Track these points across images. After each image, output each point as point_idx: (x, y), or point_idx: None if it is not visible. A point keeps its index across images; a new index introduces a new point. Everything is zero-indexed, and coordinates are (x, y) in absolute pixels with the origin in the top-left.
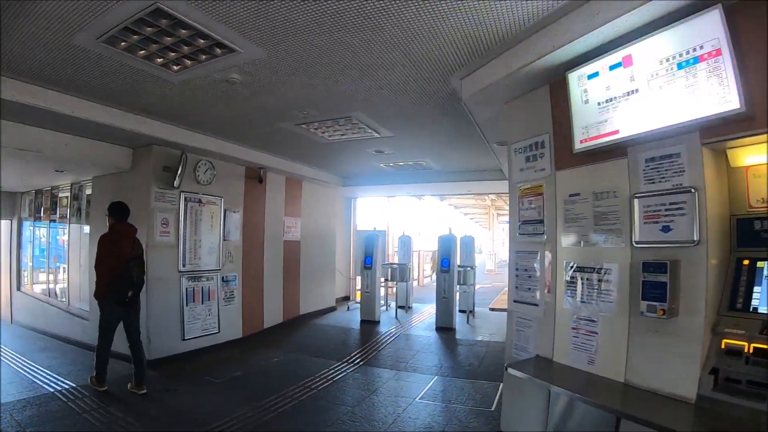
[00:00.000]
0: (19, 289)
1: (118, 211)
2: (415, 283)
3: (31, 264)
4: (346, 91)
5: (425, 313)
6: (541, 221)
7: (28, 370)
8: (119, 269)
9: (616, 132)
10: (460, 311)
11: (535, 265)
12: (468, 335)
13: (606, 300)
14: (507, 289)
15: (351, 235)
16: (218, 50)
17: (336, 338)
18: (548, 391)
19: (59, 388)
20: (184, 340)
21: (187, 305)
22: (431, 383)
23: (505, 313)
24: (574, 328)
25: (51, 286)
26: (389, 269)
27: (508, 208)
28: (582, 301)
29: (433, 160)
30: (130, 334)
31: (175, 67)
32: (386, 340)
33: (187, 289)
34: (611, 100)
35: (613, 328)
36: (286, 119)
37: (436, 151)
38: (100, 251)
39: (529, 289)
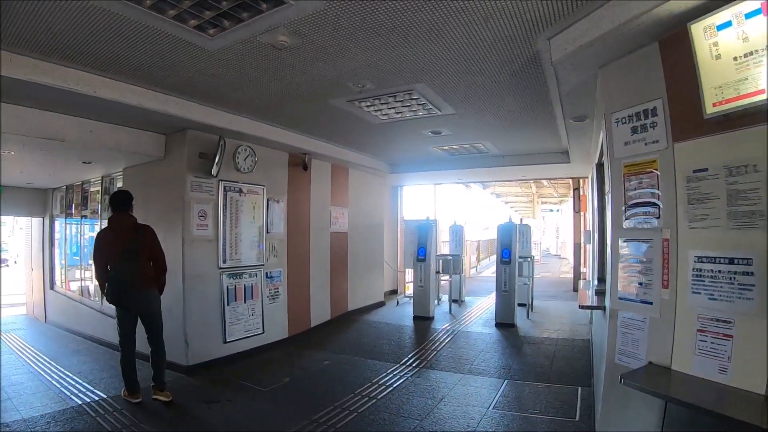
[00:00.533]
0: (52, 287)
1: (115, 201)
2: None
3: (64, 261)
4: (412, 58)
5: (480, 307)
6: (656, 203)
7: (57, 377)
8: (110, 267)
9: (761, 92)
10: (519, 305)
11: (648, 255)
12: (531, 331)
13: (744, 297)
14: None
15: (398, 225)
16: (263, 4)
17: (389, 337)
18: (664, 405)
19: (88, 400)
20: (225, 342)
21: (228, 305)
22: (502, 388)
23: (567, 307)
24: (700, 331)
25: (84, 284)
26: (441, 261)
27: (554, 195)
28: (711, 298)
29: (492, 142)
30: (148, 334)
31: (211, 30)
32: (444, 339)
33: (228, 287)
34: (752, 53)
35: (753, 330)
36: (339, 94)
37: (497, 132)
38: (93, 250)
39: (640, 284)
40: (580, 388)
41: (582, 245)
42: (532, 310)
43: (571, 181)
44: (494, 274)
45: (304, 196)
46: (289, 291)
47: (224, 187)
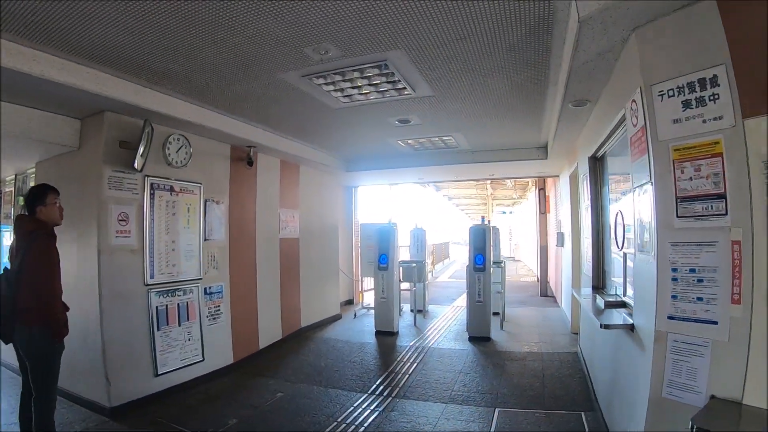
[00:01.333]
0: None
1: (26, 200)
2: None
3: None
4: (390, 12)
5: (446, 318)
6: (721, 196)
7: None
8: None
9: None
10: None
11: (711, 262)
12: (510, 345)
13: None
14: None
15: (352, 229)
16: None
17: (352, 358)
18: None
19: None
20: (157, 375)
21: (159, 329)
22: (495, 420)
23: (539, 314)
24: None
25: None
26: (403, 269)
27: (513, 197)
28: None
29: (464, 135)
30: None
31: None
32: (414, 358)
33: (158, 307)
34: None
35: None
36: (292, 65)
37: (473, 121)
38: None
39: (700, 299)
40: (583, 414)
41: (547, 248)
42: (505, 320)
43: (534, 181)
44: (452, 280)
45: (249, 197)
46: (232, 308)
47: (152, 185)
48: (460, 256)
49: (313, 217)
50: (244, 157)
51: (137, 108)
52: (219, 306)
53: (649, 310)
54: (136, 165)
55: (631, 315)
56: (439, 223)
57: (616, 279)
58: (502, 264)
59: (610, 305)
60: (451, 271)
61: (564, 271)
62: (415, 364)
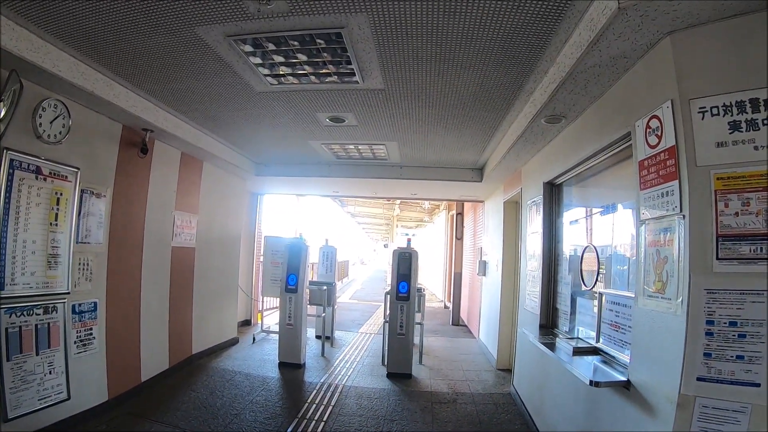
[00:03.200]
0: None
1: None
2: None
3: None
4: None
5: (355, 347)
6: None
7: None
8: None
9: None
10: None
11: (756, 314)
12: (435, 384)
13: None
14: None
15: (254, 241)
16: None
17: (254, 398)
18: None
19: None
20: (7, 421)
21: (9, 359)
22: None
23: (457, 346)
24: None
25: None
26: (311, 291)
27: (424, 220)
28: None
29: (400, 147)
30: None
31: None
32: (328, 400)
33: (8, 330)
34: None
35: None
36: (221, 14)
37: (416, 130)
38: None
39: (740, 357)
40: None
41: (461, 275)
42: (423, 353)
43: (446, 204)
44: (354, 301)
45: (139, 193)
46: (109, 331)
47: (11, 162)
48: (359, 275)
49: (214, 224)
50: (137, 143)
51: (2, 51)
52: (91, 329)
53: (665, 369)
54: None
55: (605, 363)
56: (341, 241)
57: (580, 320)
58: (423, 291)
59: (579, 352)
60: (351, 291)
61: (486, 303)
62: (330, 408)
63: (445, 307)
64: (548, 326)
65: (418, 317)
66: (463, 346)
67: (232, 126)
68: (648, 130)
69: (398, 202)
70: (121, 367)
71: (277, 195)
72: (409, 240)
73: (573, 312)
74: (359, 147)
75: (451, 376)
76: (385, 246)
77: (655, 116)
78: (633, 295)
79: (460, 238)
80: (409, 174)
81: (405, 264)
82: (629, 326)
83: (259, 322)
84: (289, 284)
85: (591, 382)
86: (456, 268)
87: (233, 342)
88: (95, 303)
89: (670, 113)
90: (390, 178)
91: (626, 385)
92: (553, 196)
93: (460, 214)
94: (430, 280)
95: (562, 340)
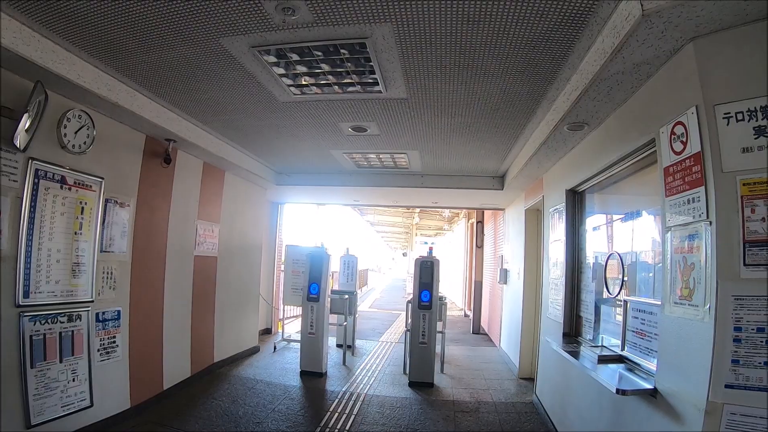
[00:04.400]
0: None
1: None
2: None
3: None
4: None
5: (377, 356)
6: None
7: None
8: None
9: None
10: None
11: None
12: (457, 393)
13: None
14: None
15: (275, 250)
16: None
17: (275, 406)
18: None
19: None
20: (30, 428)
21: (33, 366)
22: None
23: (478, 355)
24: None
25: None
26: (332, 300)
27: (444, 228)
28: None
29: (421, 156)
30: None
31: None
32: (350, 409)
33: (32, 337)
34: None
35: None
36: (245, 25)
37: (437, 140)
38: None
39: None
40: None
41: (481, 284)
42: (444, 362)
43: (466, 212)
44: (374, 310)
45: (162, 203)
46: (132, 340)
47: (36, 172)
48: (378, 284)
49: (235, 233)
50: (160, 153)
51: (27, 62)
52: (114, 337)
53: (693, 377)
54: (17, 142)
55: (631, 371)
56: (361, 249)
57: (605, 328)
58: (444, 300)
59: (604, 360)
60: (371, 300)
61: (507, 311)
62: (353, 417)
63: (465, 315)
64: (572, 334)
65: (439, 326)
66: (485, 354)
67: (255, 136)
68: (673, 136)
69: (418, 210)
70: (143, 374)
71: (298, 204)
72: (430, 249)
73: (597, 320)
74: (381, 156)
75: (473, 385)
76: (404, 255)
77: (679, 122)
78: (659, 303)
79: (480, 246)
80: (431, 183)
81: (427, 272)
82: (655, 334)
83: (280, 330)
84: (311, 293)
85: (617, 390)
86: (476, 276)
87: (254, 350)
88: (119, 311)
89: (695, 119)
90: (411, 187)
91: (653, 393)
92: (576, 203)
93: (480, 222)
94: (450, 288)
95: (586, 348)
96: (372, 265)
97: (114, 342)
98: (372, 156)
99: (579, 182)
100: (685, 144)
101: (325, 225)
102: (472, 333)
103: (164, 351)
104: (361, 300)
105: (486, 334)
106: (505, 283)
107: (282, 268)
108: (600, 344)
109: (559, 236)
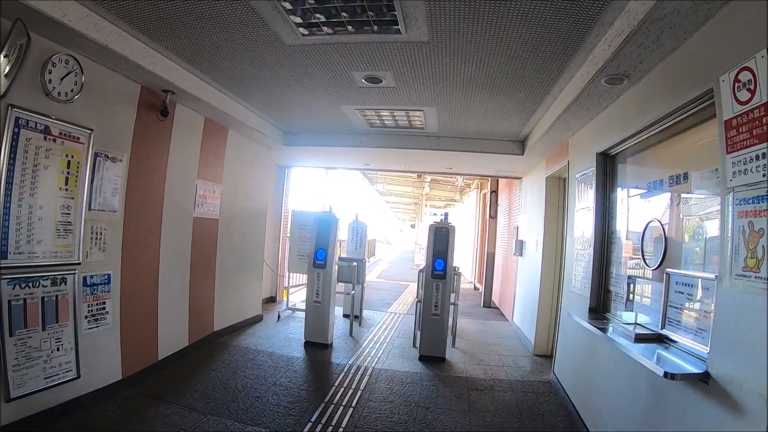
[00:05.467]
0: None
1: None
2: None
3: None
4: None
5: (385, 327)
6: None
7: None
8: None
9: None
10: None
11: None
12: (469, 369)
13: None
14: None
15: (281, 216)
16: None
17: (277, 379)
18: None
19: None
20: (9, 401)
21: (12, 334)
22: None
23: (491, 329)
24: None
25: None
26: (340, 267)
27: (455, 199)
28: None
29: (438, 113)
30: None
31: None
32: (358, 384)
33: (11, 302)
34: None
35: None
36: None
37: (460, 93)
38: None
39: None
40: None
41: (494, 256)
42: (456, 336)
43: (478, 182)
44: (382, 280)
45: (159, 159)
46: (123, 306)
47: (17, 120)
48: (386, 254)
49: (239, 195)
50: (157, 105)
51: None
52: (104, 303)
53: (757, 360)
54: None
55: (673, 352)
56: (370, 219)
57: (639, 305)
58: (458, 271)
59: (642, 339)
60: (379, 270)
61: (523, 285)
62: (359, 393)
63: (475, 288)
64: (599, 310)
65: (452, 298)
66: (497, 329)
67: (259, 88)
68: (737, 84)
69: (428, 179)
70: (136, 344)
71: (306, 168)
72: (446, 214)
73: (630, 295)
74: (395, 114)
75: (486, 361)
76: (412, 226)
77: (746, 68)
78: (711, 276)
79: (493, 216)
80: (446, 145)
81: (442, 240)
82: (705, 311)
83: (285, 299)
84: (318, 259)
85: (666, 374)
86: (489, 248)
87: (257, 319)
88: (109, 275)
89: (765, 63)
90: (426, 149)
91: (704, 379)
92: (607, 168)
93: (495, 191)
94: (460, 261)
95: (617, 325)
96: (380, 236)
97: (104, 308)
98: (386, 114)
99: (612, 145)
100: (752, 92)
101: (334, 192)
102: (483, 306)
103: (159, 318)
104: (369, 270)
105: (497, 308)
106: (521, 255)
107: (288, 235)
108: (633, 322)
109: (587, 204)
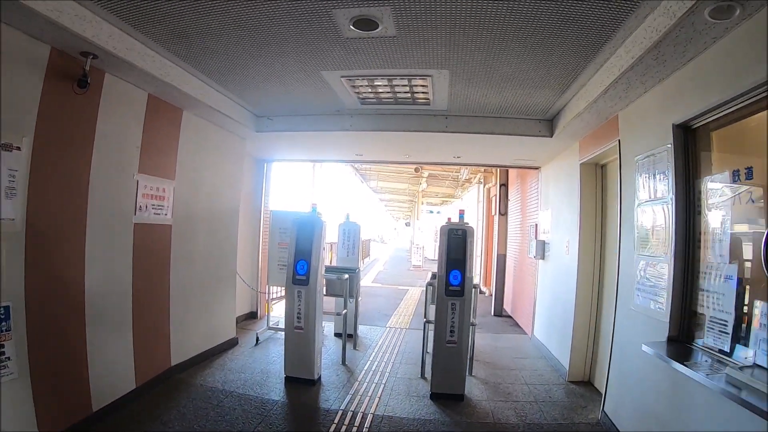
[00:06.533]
0: None
1: None
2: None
3: None
4: None
5: (385, 349)
6: None
7: None
8: None
9: None
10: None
11: None
12: (496, 408)
13: None
14: None
15: (261, 218)
16: None
17: None
18: None
19: None
20: None
21: None
22: None
23: (508, 345)
24: None
25: None
26: (328, 280)
27: (446, 195)
28: None
29: (451, 79)
30: None
31: None
32: None
33: None
34: None
35: None
36: None
37: (483, 47)
38: None
39: None
40: None
41: (504, 258)
42: (473, 359)
43: (490, 176)
44: (378, 285)
45: (78, 147)
46: (33, 348)
47: None
48: (381, 254)
49: (200, 195)
50: (76, 73)
51: None
52: (2, 345)
53: None
54: None
55: None
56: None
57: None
58: (477, 286)
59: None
60: (374, 273)
61: (549, 293)
62: None
63: (481, 292)
64: (680, 338)
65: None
66: (515, 345)
67: (212, 48)
68: None
69: (426, 174)
70: (58, 395)
71: (289, 162)
72: (461, 212)
73: (737, 320)
74: (394, 84)
75: (513, 395)
76: (407, 224)
77: None
78: None
79: (504, 213)
80: (457, 126)
81: (458, 246)
82: None
83: (267, 312)
84: (298, 273)
85: None
86: (499, 249)
87: (231, 344)
88: (6, 308)
89: None
90: (431, 132)
91: None
92: (689, 145)
93: (504, 185)
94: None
95: (732, 368)
96: (374, 235)
97: (2, 353)
98: (382, 85)
99: (699, 112)
100: None
101: (323, 190)
102: (494, 315)
103: (90, 358)
104: (364, 273)
105: (510, 317)
106: (542, 258)
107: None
108: (752, 360)
109: (658, 194)
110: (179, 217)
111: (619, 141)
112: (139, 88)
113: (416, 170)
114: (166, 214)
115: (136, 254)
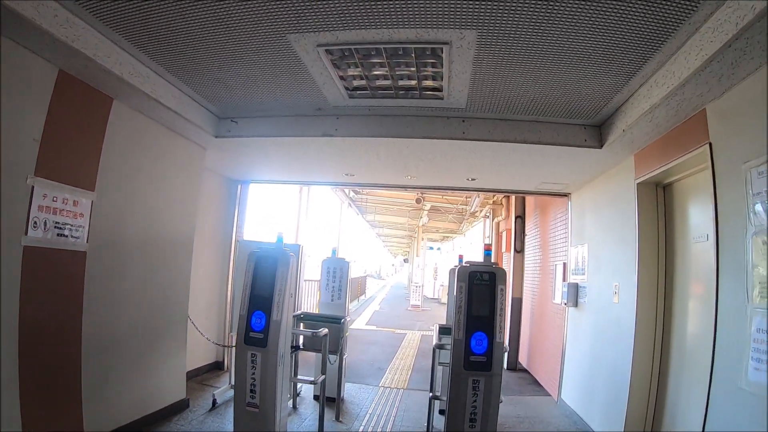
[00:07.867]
0: None
1: None
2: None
3: None
4: None
5: (374, 419)
6: None
7: None
8: None
9: None
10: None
11: None
12: None
13: None
14: None
15: (231, 251)
16: None
17: None
18: None
19: None
20: None
21: None
22: None
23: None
24: None
25: None
26: (304, 335)
27: (447, 231)
28: None
29: (476, 52)
30: None
31: None
32: None
33: None
34: None
35: None
36: None
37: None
38: None
39: None
40: None
41: (520, 302)
42: None
43: (499, 208)
44: (372, 328)
45: None
46: None
47: None
48: (378, 292)
49: (135, 214)
50: None
51: None
52: None
53: None
54: None
55: None
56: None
57: None
58: (506, 349)
59: None
60: (369, 313)
61: (585, 349)
62: None
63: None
64: None
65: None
66: (539, 413)
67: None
68: None
69: (428, 207)
70: None
71: (271, 186)
72: (487, 248)
73: None
74: (394, 60)
75: None
76: (405, 261)
77: None
78: None
79: (520, 250)
80: (477, 131)
81: (483, 297)
82: None
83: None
84: (253, 329)
85: None
86: (514, 291)
87: (179, 407)
88: None
89: None
90: (444, 139)
91: None
92: None
93: (521, 217)
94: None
95: None
96: (372, 271)
97: None
98: (377, 62)
99: None
100: None
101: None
102: (508, 369)
103: None
104: (357, 314)
105: (526, 371)
106: (575, 305)
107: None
108: None
109: None
110: (100, 242)
111: (710, 144)
112: (43, 58)
113: (417, 201)
114: (77, 237)
115: (26, 289)
